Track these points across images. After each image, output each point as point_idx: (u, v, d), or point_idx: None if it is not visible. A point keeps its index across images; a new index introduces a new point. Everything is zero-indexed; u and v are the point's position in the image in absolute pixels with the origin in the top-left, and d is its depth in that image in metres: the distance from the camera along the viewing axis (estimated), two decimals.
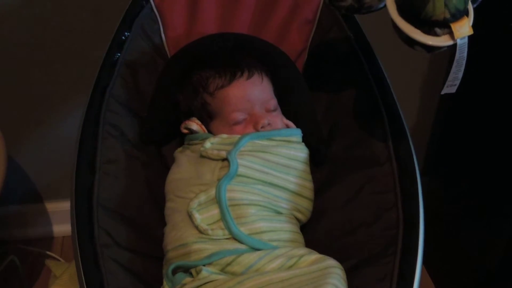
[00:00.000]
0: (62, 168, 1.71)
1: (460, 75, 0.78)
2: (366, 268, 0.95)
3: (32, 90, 1.55)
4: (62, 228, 1.87)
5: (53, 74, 1.53)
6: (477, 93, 1.43)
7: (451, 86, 0.78)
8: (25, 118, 1.61)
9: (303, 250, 0.96)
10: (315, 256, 0.94)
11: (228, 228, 0.98)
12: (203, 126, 1.12)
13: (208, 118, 1.10)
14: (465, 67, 0.79)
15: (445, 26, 0.77)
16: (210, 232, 0.97)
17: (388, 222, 0.97)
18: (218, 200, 0.99)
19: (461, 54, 0.76)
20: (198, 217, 0.99)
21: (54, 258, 1.79)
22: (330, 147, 1.15)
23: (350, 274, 0.94)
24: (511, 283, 1.43)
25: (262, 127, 1.08)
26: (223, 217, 0.98)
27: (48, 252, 1.80)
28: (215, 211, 0.99)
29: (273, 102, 1.12)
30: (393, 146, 1.03)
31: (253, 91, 1.09)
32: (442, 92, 0.80)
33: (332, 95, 1.19)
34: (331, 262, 0.93)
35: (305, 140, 1.13)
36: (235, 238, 0.97)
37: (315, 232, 1.08)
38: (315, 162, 1.13)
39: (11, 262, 1.67)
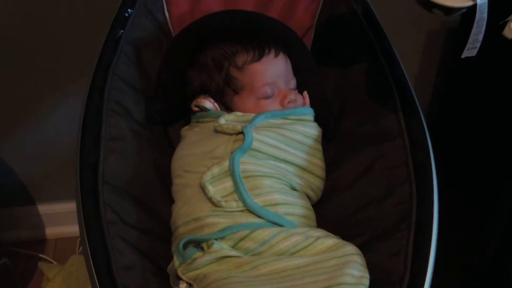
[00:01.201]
0: (55, 170, 1.72)
1: (481, 36, 0.76)
2: (379, 243, 0.94)
3: (24, 90, 1.53)
4: (55, 230, 1.86)
5: (39, 67, 1.51)
6: (470, 89, 1.42)
7: (471, 48, 0.77)
8: (15, 120, 1.60)
9: (320, 232, 0.95)
10: (332, 240, 0.93)
11: (242, 199, 0.96)
12: (216, 104, 1.10)
13: (233, 92, 1.10)
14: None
15: None
16: (223, 204, 0.96)
17: (401, 197, 0.95)
18: (231, 172, 0.98)
19: (481, 15, 0.74)
20: (211, 189, 0.97)
21: (46, 261, 1.78)
22: (340, 124, 1.14)
23: (363, 250, 0.92)
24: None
25: (289, 102, 1.09)
26: (237, 189, 0.97)
27: (40, 255, 1.80)
28: (228, 183, 0.98)
29: (294, 81, 1.14)
30: (404, 120, 1.01)
31: (281, 68, 1.11)
32: (463, 56, 0.79)
33: (341, 71, 1.17)
34: (348, 248, 0.91)
35: (315, 117, 1.12)
36: (249, 209, 0.96)
37: (326, 209, 1.07)
38: (326, 139, 1.12)
39: (4, 265, 1.68)
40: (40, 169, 1.71)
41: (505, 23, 0.91)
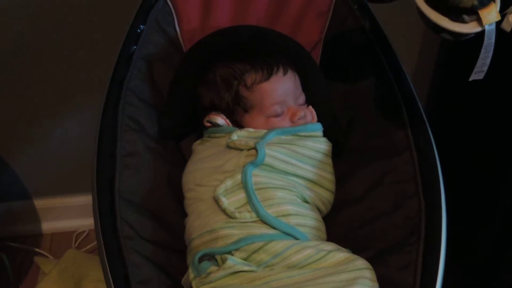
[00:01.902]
0: (51, 165, 1.73)
1: (488, 61, 0.79)
2: (388, 256, 0.96)
3: (21, 88, 1.55)
4: (51, 225, 1.87)
5: (42, 72, 1.52)
6: (468, 86, 1.41)
7: (479, 72, 0.79)
8: (14, 116, 1.61)
9: (332, 246, 0.97)
10: (343, 254, 0.95)
11: (255, 210, 0.99)
12: (227, 120, 1.12)
13: (242, 110, 1.11)
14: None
15: (473, 13, 0.77)
16: (237, 215, 0.98)
17: (410, 211, 0.97)
18: (244, 184, 1.01)
19: (489, 40, 0.77)
20: (225, 201, 1.00)
21: (42, 255, 1.79)
22: (348, 138, 1.16)
23: (372, 263, 0.94)
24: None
25: (299, 119, 1.10)
26: (250, 200, 0.99)
27: (36, 249, 1.81)
28: (241, 195, 1.00)
29: (303, 96, 1.15)
30: (412, 135, 1.03)
31: (290, 86, 1.12)
32: (470, 79, 0.81)
33: (349, 86, 1.19)
34: (359, 263, 0.93)
35: (324, 132, 1.13)
36: (262, 220, 0.98)
37: (336, 223, 1.09)
38: (335, 153, 1.14)
39: (0, 260, 1.68)
40: (37, 164, 1.72)
41: (503, 16, 0.91)
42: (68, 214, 1.84)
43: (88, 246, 1.81)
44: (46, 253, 1.80)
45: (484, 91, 1.28)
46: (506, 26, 0.87)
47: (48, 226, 1.87)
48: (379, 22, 1.17)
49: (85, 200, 1.80)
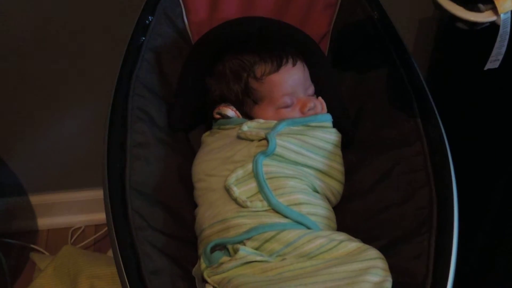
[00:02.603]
0: (46, 161, 1.72)
1: (503, 50, 0.79)
2: (400, 246, 0.96)
3: (19, 86, 1.54)
4: (47, 221, 1.86)
5: (38, 68, 1.52)
6: (462, 77, 1.42)
7: (494, 61, 0.79)
8: (9, 112, 1.60)
9: (343, 236, 0.97)
10: (355, 244, 0.95)
11: (266, 199, 0.99)
12: (237, 112, 1.12)
13: (252, 102, 1.12)
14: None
15: (488, 1, 0.77)
16: (249, 204, 0.99)
17: (421, 201, 0.97)
18: (255, 174, 1.01)
19: (505, 29, 0.77)
20: (236, 190, 1.00)
21: (38, 251, 1.79)
22: (357, 130, 1.16)
23: (384, 253, 0.94)
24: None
25: (308, 110, 1.11)
26: (261, 189, 1.00)
27: (32, 245, 1.81)
28: (253, 185, 1.01)
29: (312, 87, 1.15)
30: (423, 125, 1.03)
31: (299, 77, 1.12)
32: (486, 68, 0.81)
33: (358, 77, 1.19)
34: (371, 252, 0.93)
35: (333, 123, 1.13)
36: (274, 209, 0.98)
37: (346, 213, 1.09)
38: (343, 144, 1.14)
39: None
40: (33, 160, 1.71)
41: None
42: (64, 210, 1.84)
43: (84, 242, 1.81)
44: (42, 249, 1.80)
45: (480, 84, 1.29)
46: (497, 21, 0.88)
47: (44, 222, 1.87)
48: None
49: (81, 196, 1.82)
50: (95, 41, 1.47)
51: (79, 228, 1.87)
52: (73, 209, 1.84)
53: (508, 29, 0.78)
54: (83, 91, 1.57)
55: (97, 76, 1.51)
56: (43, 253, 1.78)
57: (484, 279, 1.45)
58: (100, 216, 1.78)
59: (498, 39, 0.77)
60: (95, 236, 1.83)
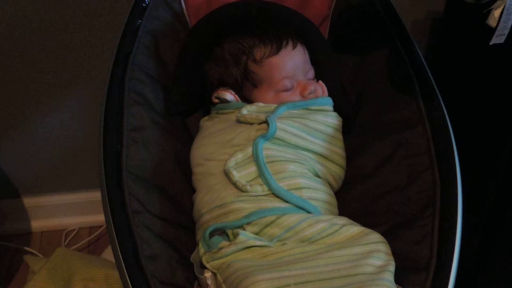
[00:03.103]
0: (40, 163, 1.70)
1: (510, 23, 0.77)
2: (403, 230, 0.94)
3: (8, 84, 1.52)
4: (40, 223, 1.85)
5: (30, 66, 1.49)
6: (455, 78, 1.41)
7: (500, 35, 0.77)
8: (1, 114, 1.58)
9: (345, 220, 0.96)
10: (357, 228, 0.93)
11: (267, 183, 0.97)
12: (236, 96, 1.11)
13: (251, 85, 1.10)
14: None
15: None
16: (248, 188, 0.97)
17: (424, 184, 0.96)
18: (255, 158, 0.99)
19: (511, 2, 0.75)
20: (236, 174, 0.98)
21: (32, 254, 1.77)
22: (359, 114, 1.14)
23: (387, 238, 0.93)
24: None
25: (309, 93, 1.09)
26: (261, 173, 0.98)
27: (26, 248, 1.79)
28: (252, 169, 0.99)
29: (313, 71, 1.14)
30: (425, 108, 1.01)
31: (299, 60, 1.11)
32: (491, 43, 0.79)
33: (359, 60, 1.18)
34: (373, 236, 0.91)
35: (334, 107, 1.12)
36: (274, 193, 0.97)
37: (349, 198, 1.07)
38: (345, 129, 1.12)
39: None
40: (26, 162, 1.70)
41: (489, 12, 0.90)
42: (58, 212, 1.83)
43: (78, 244, 1.79)
44: (35, 252, 1.78)
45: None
46: (491, 22, 0.86)
47: (37, 224, 1.84)
48: None
49: (75, 198, 1.80)
50: (88, 28, 1.44)
51: (73, 230, 1.85)
52: (67, 211, 1.82)
53: None
54: (78, 92, 1.56)
55: (93, 73, 1.51)
56: (36, 255, 1.77)
57: (479, 279, 1.45)
58: (94, 218, 1.81)
59: (505, 12, 0.75)
60: (89, 238, 1.81)
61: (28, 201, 1.80)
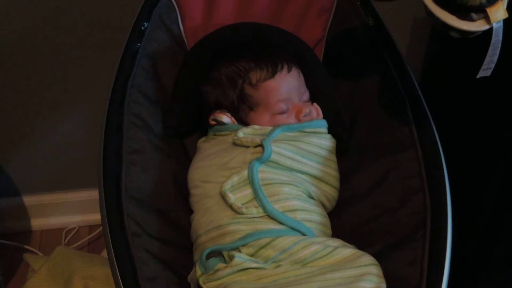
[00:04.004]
0: (38, 162, 1.72)
1: (495, 58, 0.79)
2: (394, 253, 0.96)
3: (11, 88, 1.54)
4: (40, 222, 1.86)
5: (30, 71, 1.52)
6: (457, 77, 1.42)
7: (486, 69, 0.79)
8: (2, 113, 1.60)
9: (338, 242, 0.98)
10: (350, 251, 0.95)
11: (262, 205, 0.99)
12: (233, 118, 1.13)
13: (248, 108, 1.12)
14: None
15: (480, 11, 0.78)
16: (244, 210, 0.99)
17: (415, 207, 0.97)
18: (251, 180, 1.01)
19: (497, 38, 0.77)
20: (231, 196, 1.00)
21: (32, 252, 1.78)
22: (352, 135, 1.16)
23: (378, 259, 0.95)
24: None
25: (304, 116, 1.11)
26: (256, 196, 1.00)
27: (26, 246, 1.80)
28: (248, 191, 1.01)
29: (307, 93, 1.15)
30: (417, 131, 1.03)
31: (294, 84, 1.13)
32: (478, 76, 0.82)
33: (352, 83, 1.19)
34: (365, 259, 0.93)
35: (328, 129, 1.14)
36: (269, 215, 0.99)
37: (341, 218, 1.09)
38: (339, 150, 1.14)
39: None
40: (26, 160, 1.71)
41: None
42: (58, 211, 1.84)
43: (78, 243, 1.80)
44: (35, 250, 1.79)
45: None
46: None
47: (37, 223, 1.86)
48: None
49: (75, 196, 1.81)
50: (92, 46, 1.47)
51: (73, 228, 1.86)
52: (67, 210, 1.83)
53: (500, 38, 0.78)
54: (76, 92, 1.58)
55: (91, 79, 1.53)
56: (36, 254, 1.78)
57: (481, 274, 1.46)
58: (94, 217, 1.81)
59: (491, 48, 0.77)
60: (89, 237, 1.82)
61: (28, 200, 1.82)
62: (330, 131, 1.14)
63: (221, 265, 0.94)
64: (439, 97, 1.48)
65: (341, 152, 1.15)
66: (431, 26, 1.53)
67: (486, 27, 0.79)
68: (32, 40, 1.45)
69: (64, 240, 1.84)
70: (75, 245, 1.80)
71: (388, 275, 0.93)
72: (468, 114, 1.39)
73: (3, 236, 1.78)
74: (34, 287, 1.56)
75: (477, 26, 0.79)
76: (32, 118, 1.62)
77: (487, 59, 0.78)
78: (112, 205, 0.95)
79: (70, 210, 1.84)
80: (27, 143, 1.67)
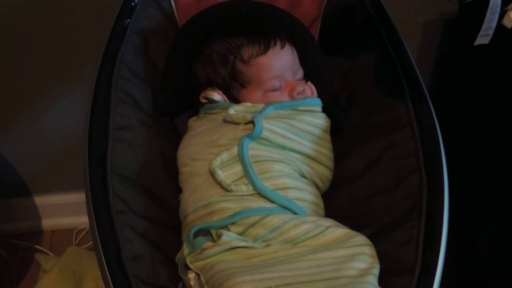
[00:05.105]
0: (50, 161, 1.71)
1: (494, 24, 0.76)
2: (390, 233, 0.94)
3: (18, 82, 1.52)
4: (51, 222, 1.85)
5: (39, 64, 1.49)
6: (468, 80, 1.40)
7: (484, 36, 0.76)
8: (11, 111, 1.59)
9: (331, 222, 0.95)
10: (343, 230, 0.93)
11: (252, 183, 0.96)
12: (224, 96, 1.10)
13: (239, 85, 1.09)
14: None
15: None
16: (233, 187, 0.96)
17: (411, 186, 0.95)
18: (241, 157, 0.99)
19: (495, 1, 0.74)
20: (221, 174, 0.98)
21: (43, 252, 1.78)
22: (348, 115, 1.13)
23: (373, 240, 0.92)
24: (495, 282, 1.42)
25: (298, 94, 1.08)
26: (246, 173, 0.97)
27: (37, 246, 1.79)
28: (238, 168, 0.98)
29: (302, 72, 1.13)
30: (414, 110, 1.01)
31: (288, 60, 1.10)
32: (476, 43, 0.78)
33: (349, 62, 1.17)
34: (358, 239, 0.91)
35: (323, 108, 1.11)
36: (259, 193, 0.96)
37: (336, 200, 1.06)
38: (334, 130, 1.11)
39: (0, 257, 1.67)
40: (37, 161, 1.71)
41: (504, 12, 0.90)
42: (68, 211, 1.83)
43: (89, 243, 1.79)
44: (46, 250, 1.78)
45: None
46: (507, 23, 0.86)
47: (48, 223, 1.85)
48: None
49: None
50: (86, 27, 1.44)
51: (84, 229, 1.85)
52: (78, 210, 1.80)
53: (499, 1, 0.75)
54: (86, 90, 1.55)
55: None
56: (47, 254, 1.77)
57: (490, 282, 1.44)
58: None
59: (488, 12, 0.74)
60: None
61: (39, 200, 1.81)
62: (325, 110, 1.11)
63: (208, 243, 0.92)
64: (450, 101, 1.47)
65: (336, 132, 1.12)
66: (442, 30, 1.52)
67: None
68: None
69: (75, 240, 1.82)
70: (86, 245, 1.79)
71: (383, 256, 0.90)
72: (478, 116, 1.37)
73: (14, 236, 1.78)
74: (45, 287, 1.56)
75: None
76: (43, 118, 1.60)
77: (485, 24, 0.75)
78: (96, 181, 0.93)
79: (81, 210, 1.78)
80: (38, 143, 1.66)
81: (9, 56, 1.47)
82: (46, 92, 1.56)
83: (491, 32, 0.76)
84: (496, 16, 0.75)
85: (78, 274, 1.54)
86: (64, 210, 1.82)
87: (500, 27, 0.83)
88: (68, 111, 1.59)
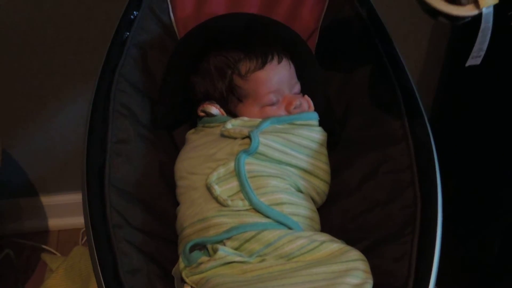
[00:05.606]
0: (57, 161, 1.72)
1: (485, 46, 0.76)
2: (383, 247, 0.94)
3: (26, 82, 1.54)
4: (58, 222, 1.86)
5: (47, 65, 1.51)
6: (475, 86, 1.40)
7: (476, 57, 0.77)
8: (19, 111, 1.60)
9: (325, 237, 0.96)
10: (337, 245, 0.93)
11: (248, 198, 0.97)
12: (222, 110, 1.11)
13: (236, 100, 1.10)
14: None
15: None
16: (229, 202, 0.97)
17: (405, 201, 0.95)
18: (237, 173, 0.99)
19: (487, 24, 0.74)
20: (217, 188, 0.98)
21: (49, 252, 1.79)
22: (344, 128, 1.14)
23: (367, 254, 0.93)
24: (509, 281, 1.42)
25: (294, 108, 1.09)
26: (242, 188, 0.98)
27: (43, 246, 1.80)
28: (234, 183, 0.99)
29: (299, 85, 1.13)
30: (409, 125, 1.01)
31: (285, 75, 1.10)
32: (467, 64, 0.79)
33: (345, 75, 1.17)
34: (352, 254, 0.91)
35: (319, 121, 1.11)
36: (255, 208, 0.97)
37: (330, 213, 1.07)
38: (330, 143, 1.12)
39: (7, 256, 1.68)
40: (44, 161, 1.72)
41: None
42: (75, 211, 1.79)
43: None
44: (53, 250, 1.79)
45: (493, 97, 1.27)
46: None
47: (54, 223, 1.87)
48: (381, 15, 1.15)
49: None
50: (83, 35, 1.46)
51: None
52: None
53: (490, 24, 0.75)
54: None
55: None
56: (54, 253, 1.78)
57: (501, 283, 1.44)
58: None
59: (480, 34, 0.74)
60: None
61: (45, 199, 1.82)
62: (321, 124, 1.12)
63: (204, 258, 0.92)
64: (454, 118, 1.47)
65: (333, 145, 1.13)
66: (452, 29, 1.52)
67: (476, 12, 0.76)
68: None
69: (81, 240, 1.83)
70: None
71: (376, 271, 0.90)
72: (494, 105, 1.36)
73: (21, 236, 1.80)
74: (52, 287, 1.57)
75: (466, 11, 0.76)
76: (49, 118, 1.62)
77: (476, 46, 0.75)
78: (94, 194, 0.94)
79: None
80: (44, 143, 1.67)
81: (20, 64, 1.50)
82: (55, 94, 1.57)
83: (482, 53, 0.77)
84: (487, 38, 0.76)
85: (84, 274, 1.55)
86: (70, 210, 1.82)
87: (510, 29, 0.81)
88: (75, 113, 1.61)
